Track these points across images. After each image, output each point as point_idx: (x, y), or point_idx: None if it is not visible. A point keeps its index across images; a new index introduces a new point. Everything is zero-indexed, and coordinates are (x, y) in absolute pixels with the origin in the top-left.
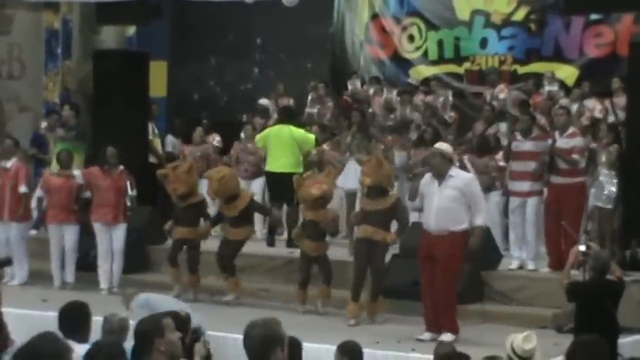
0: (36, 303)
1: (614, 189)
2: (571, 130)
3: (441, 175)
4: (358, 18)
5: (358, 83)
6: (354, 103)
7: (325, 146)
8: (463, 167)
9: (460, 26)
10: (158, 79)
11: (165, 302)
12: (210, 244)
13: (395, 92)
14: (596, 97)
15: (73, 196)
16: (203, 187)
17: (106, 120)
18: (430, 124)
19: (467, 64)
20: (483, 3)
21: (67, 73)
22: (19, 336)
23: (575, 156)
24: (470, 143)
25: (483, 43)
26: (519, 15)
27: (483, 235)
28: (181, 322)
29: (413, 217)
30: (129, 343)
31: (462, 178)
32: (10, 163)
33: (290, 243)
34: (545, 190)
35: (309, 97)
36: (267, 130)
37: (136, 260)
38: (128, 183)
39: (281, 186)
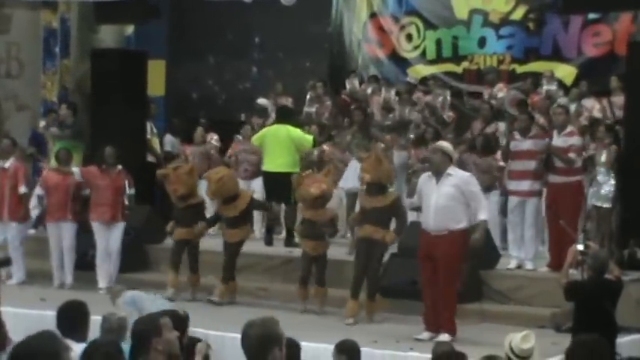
0: (34, 302)
1: (612, 188)
2: (569, 129)
3: (439, 172)
4: (356, 17)
5: (356, 82)
6: (352, 102)
7: (325, 146)
8: (462, 166)
9: (458, 25)
10: (156, 78)
11: (152, 301)
12: (210, 244)
13: (393, 91)
14: (595, 96)
15: (70, 194)
16: (202, 188)
17: (104, 119)
18: (429, 124)
19: (465, 64)
20: (482, 2)
21: (66, 72)
22: (18, 335)
23: (571, 155)
24: (468, 143)
25: (482, 42)
26: (518, 14)
27: (486, 230)
28: (179, 321)
29: (411, 216)
30: (128, 343)
31: (460, 176)
32: (8, 163)
33: (288, 242)
34: (545, 190)
35: (308, 96)
36: (264, 130)
37: (134, 259)
38: (126, 182)
39: (278, 186)
